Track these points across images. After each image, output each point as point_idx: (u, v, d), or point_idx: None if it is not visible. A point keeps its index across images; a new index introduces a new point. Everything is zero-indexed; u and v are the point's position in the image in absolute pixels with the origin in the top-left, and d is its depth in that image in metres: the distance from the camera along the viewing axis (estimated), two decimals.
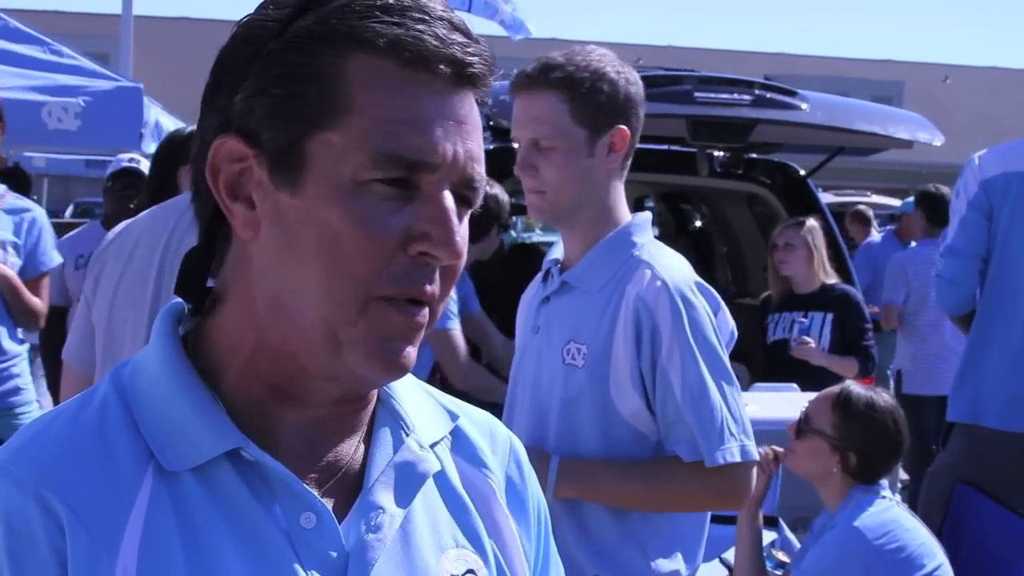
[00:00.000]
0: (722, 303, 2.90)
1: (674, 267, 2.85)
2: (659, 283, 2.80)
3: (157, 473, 1.19)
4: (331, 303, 1.19)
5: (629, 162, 2.94)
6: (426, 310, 1.22)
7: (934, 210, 8.57)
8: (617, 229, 2.91)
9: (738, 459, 2.79)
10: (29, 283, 5.58)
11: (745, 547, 4.03)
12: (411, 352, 1.22)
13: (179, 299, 1.31)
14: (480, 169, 1.25)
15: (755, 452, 2.84)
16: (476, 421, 1.43)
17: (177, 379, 1.23)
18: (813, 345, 6.28)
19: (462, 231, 1.23)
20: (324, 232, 1.18)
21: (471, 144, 1.23)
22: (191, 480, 1.20)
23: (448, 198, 1.21)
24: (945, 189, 8.59)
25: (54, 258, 5.72)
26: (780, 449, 4.05)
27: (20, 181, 9.25)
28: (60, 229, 8.95)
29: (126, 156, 7.61)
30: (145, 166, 7.81)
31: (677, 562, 2.87)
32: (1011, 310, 4.70)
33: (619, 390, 2.81)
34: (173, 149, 4.45)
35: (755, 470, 2.88)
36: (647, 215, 2.99)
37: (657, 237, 3.04)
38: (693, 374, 2.77)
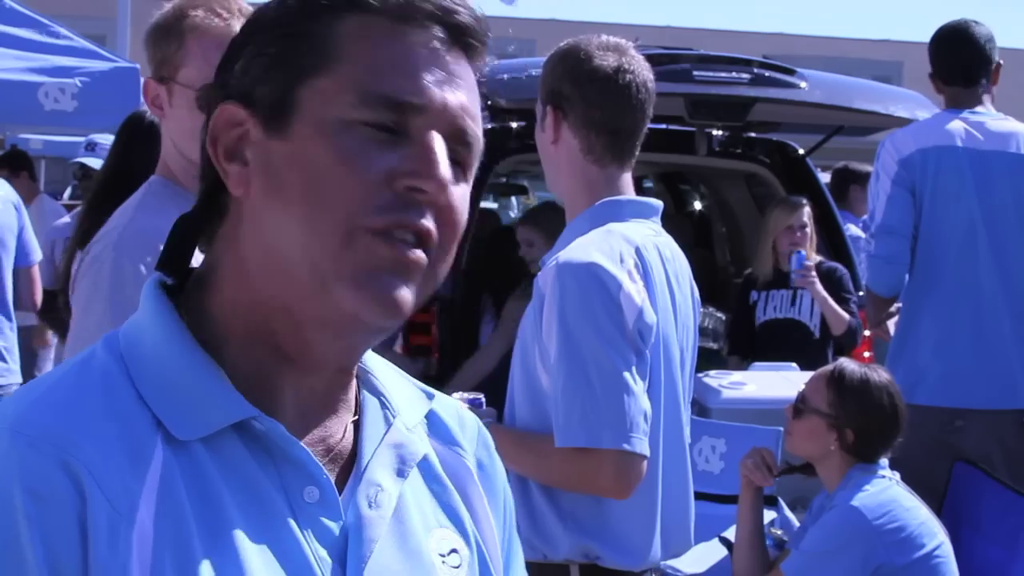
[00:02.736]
0: (624, 285, 2.74)
1: (578, 250, 2.79)
2: (553, 263, 2.78)
3: (166, 442, 1.18)
4: (315, 236, 1.18)
5: (598, 146, 2.88)
6: (420, 251, 1.21)
7: (842, 187, 8.60)
8: (580, 213, 2.90)
9: (583, 445, 2.70)
10: None
11: (746, 528, 4.04)
12: (405, 291, 1.21)
13: (158, 274, 1.30)
14: (475, 126, 1.25)
15: (626, 444, 2.68)
16: (444, 405, 1.43)
17: (183, 350, 1.23)
18: (815, 275, 6.29)
19: (459, 193, 1.23)
20: (308, 169, 1.19)
21: (463, 96, 1.24)
22: (200, 450, 1.19)
23: (437, 139, 1.21)
24: (857, 167, 8.62)
25: None
26: (769, 451, 4.08)
27: (18, 163, 9.25)
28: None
29: (85, 144, 7.67)
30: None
31: (599, 546, 2.81)
32: (941, 286, 4.75)
33: (537, 363, 2.81)
34: (132, 129, 4.34)
35: (626, 460, 2.70)
36: (619, 200, 2.92)
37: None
38: (558, 353, 2.73)
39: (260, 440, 1.21)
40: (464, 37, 1.25)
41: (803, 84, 6.20)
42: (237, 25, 2.65)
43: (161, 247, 2.76)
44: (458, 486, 1.36)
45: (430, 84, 1.21)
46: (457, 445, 1.39)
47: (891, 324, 5.43)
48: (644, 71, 2.89)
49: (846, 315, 6.28)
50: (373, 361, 1.36)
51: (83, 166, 7.92)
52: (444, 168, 1.21)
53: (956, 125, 4.84)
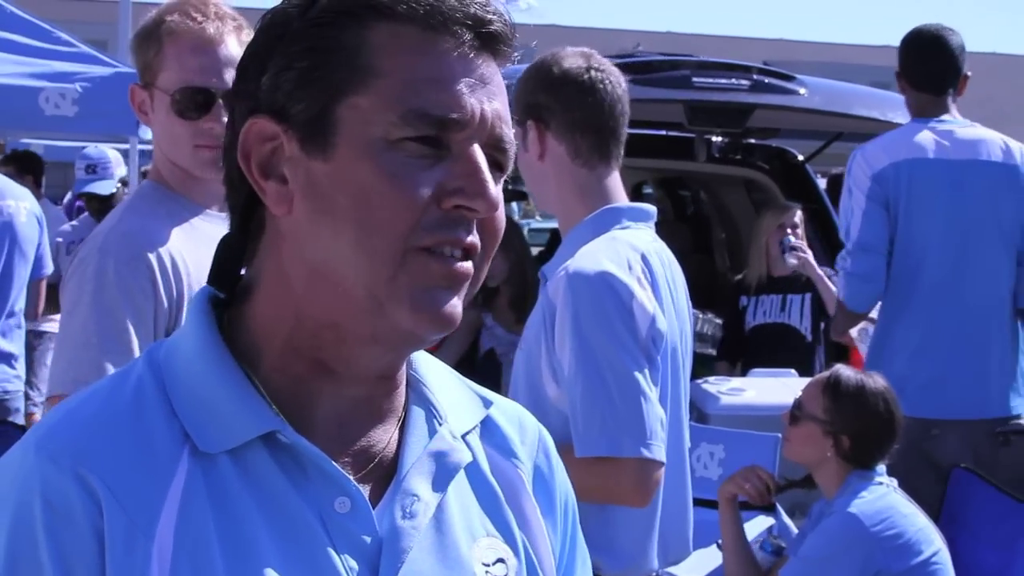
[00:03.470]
0: (636, 293, 2.74)
1: (587, 258, 2.78)
2: (562, 273, 2.78)
3: (193, 455, 1.20)
4: (369, 261, 1.19)
5: (585, 148, 2.88)
6: (468, 262, 1.23)
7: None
8: (580, 222, 2.90)
9: (604, 454, 2.68)
10: None
11: (730, 539, 4.05)
12: (456, 303, 1.23)
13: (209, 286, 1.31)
14: (508, 131, 1.26)
15: (645, 450, 2.67)
16: (506, 411, 1.43)
17: (214, 362, 1.24)
18: (809, 254, 6.28)
19: (496, 189, 1.24)
20: (357, 191, 1.19)
21: (497, 104, 1.25)
22: (227, 463, 1.20)
23: (479, 153, 1.22)
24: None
25: None
26: (766, 470, 4.08)
27: (25, 166, 9.29)
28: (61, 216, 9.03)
29: (84, 165, 7.73)
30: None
31: (600, 555, 2.77)
32: (916, 297, 4.75)
33: (544, 374, 2.80)
34: None
35: (646, 468, 2.70)
36: (618, 207, 2.92)
37: (656, 223, 3.02)
38: (574, 363, 2.72)
39: (289, 451, 1.22)
40: (495, 43, 1.25)
41: (802, 90, 6.20)
42: (212, 28, 2.65)
43: (147, 249, 2.74)
44: (509, 495, 1.35)
45: (468, 97, 1.21)
46: (513, 455, 1.38)
47: (854, 332, 5.45)
48: (614, 72, 2.92)
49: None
50: (426, 367, 1.36)
51: (92, 195, 8.04)
52: (492, 187, 1.22)
53: (926, 136, 4.83)
